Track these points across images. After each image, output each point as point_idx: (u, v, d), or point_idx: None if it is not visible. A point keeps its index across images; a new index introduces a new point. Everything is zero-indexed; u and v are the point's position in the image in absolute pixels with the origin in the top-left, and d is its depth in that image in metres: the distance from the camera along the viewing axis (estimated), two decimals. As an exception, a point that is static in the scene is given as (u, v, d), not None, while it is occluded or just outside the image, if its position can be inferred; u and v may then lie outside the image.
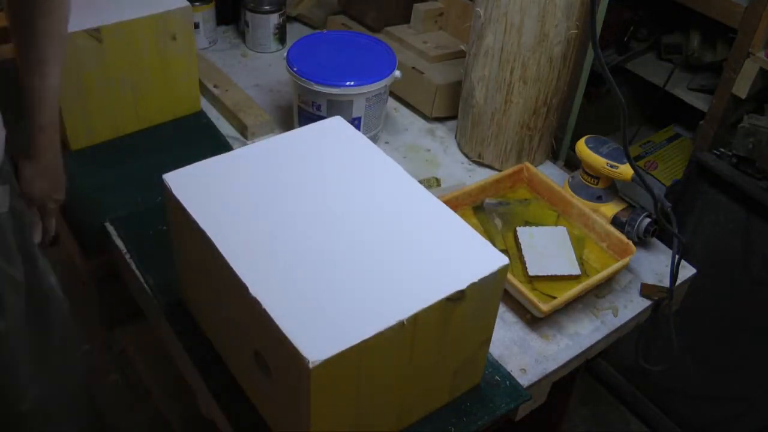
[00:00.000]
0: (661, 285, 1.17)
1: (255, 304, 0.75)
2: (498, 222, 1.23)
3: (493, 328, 0.92)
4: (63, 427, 1.14)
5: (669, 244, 1.22)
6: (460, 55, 1.52)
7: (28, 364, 1.03)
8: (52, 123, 0.99)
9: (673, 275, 1.14)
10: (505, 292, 1.09)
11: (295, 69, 1.31)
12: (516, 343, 1.06)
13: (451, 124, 1.50)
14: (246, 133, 1.41)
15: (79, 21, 1.21)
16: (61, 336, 1.09)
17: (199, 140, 1.39)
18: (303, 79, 1.30)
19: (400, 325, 0.75)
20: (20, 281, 0.98)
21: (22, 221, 0.99)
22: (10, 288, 0.96)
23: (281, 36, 1.69)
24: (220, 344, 0.97)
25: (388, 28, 1.62)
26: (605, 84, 0.99)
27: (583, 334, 1.09)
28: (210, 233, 0.82)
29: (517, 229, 1.19)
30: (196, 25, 1.60)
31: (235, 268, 0.78)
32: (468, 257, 0.83)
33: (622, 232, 1.19)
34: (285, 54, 1.36)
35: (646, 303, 1.15)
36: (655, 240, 1.25)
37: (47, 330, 1.06)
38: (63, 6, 0.94)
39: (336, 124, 1.03)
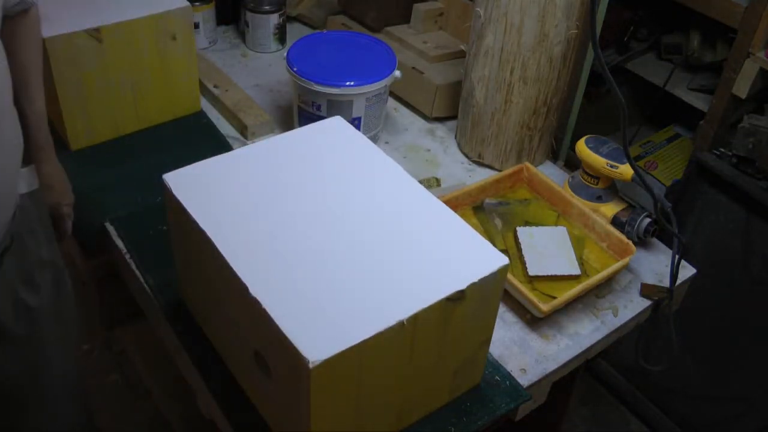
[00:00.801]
0: (661, 285, 1.17)
1: (255, 304, 0.75)
2: (498, 222, 1.23)
3: (493, 328, 0.92)
4: (58, 416, 1.15)
5: (669, 244, 1.22)
6: (460, 55, 1.52)
7: (54, 343, 1.07)
8: (47, 141, 1.06)
9: (673, 275, 1.14)
10: (505, 292, 1.09)
11: (295, 69, 1.31)
12: (516, 343, 1.06)
13: (451, 124, 1.50)
14: (246, 133, 1.41)
15: (79, 21, 1.21)
16: (70, 318, 1.12)
17: (199, 140, 1.39)
18: (303, 79, 1.30)
19: (400, 325, 0.75)
20: (47, 260, 1.03)
21: (40, 203, 1.05)
22: (39, 266, 1.01)
23: (281, 36, 1.69)
24: (220, 344, 0.97)
25: (388, 28, 1.62)
26: (605, 84, 0.99)
27: (583, 334, 1.09)
28: (210, 233, 0.82)
29: (517, 229, 1.19)
30: (196, 25, 1.60)
31: (235, 268, 0.78)
32: (468, 257, 0.83)
33: (622, 232, 1.19)
34: (285, 54, 1.36)
35: (646, 303, 1.15)
36: (655, 240, 1.25)
37: (64, 310, 1.10)
38: (39, 36, 1.04)
39: (336, 124, 1.03)
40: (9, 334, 0.99)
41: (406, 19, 1.63)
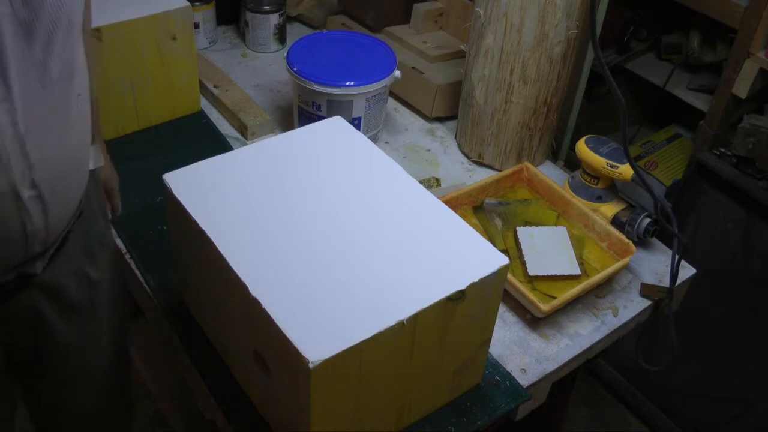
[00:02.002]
0: (661, 285, 1.17)
1: (255, 304, 0.75)
2: (498, 222, 1.23)
3: (493, 328, 0.92)
4: (103, 396, 1.15)
5: (669, 244, 1.22)
6: (460, 55, 1.52)
7: (110, 321, 1.08)
8: (96, 122, 1.05)
9: (673, 275, 1.14)
10: (505, 292, 1.09)
11: (295, 69, 1.31)
12: (516, 343, 1.06)
13: (451, 124, 1.50)
14: (246, 133, 1.41)
15: (79, 21, 1.21)
16: (124, 301, 1.13)
17: (199, 140, 1.39)
18: (303, 79, 1.30)
19: (400, 325, 0.75)
20: (106, 240, 1.05)
21: (98, 183, 1.06)
22: (99, 245, 1.03)
23: (281, 36, 1.69)
24: (220, 344, 0.97)
25: (388, 28, 1.62)
26: (605, 84, 0.99)
27: (583, 334, 1.09)
28: (210, 233, 0.82)
29: (517, 229, 1.19)
30: (196, 25, 1.60)
31: (235, 269, 0.78)
32: (468, 257, 0.83)
33: (622, 232, 1.19)
34: (285, 54, 1.36)
35: (646, 303, 1.15)
36: (655, 240, 1.25)
37: (120, 289, 1.11)
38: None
39: (336, 124, 1.03)
40: (72, 305, 1.00)
41: (406, 19, 1.63)
